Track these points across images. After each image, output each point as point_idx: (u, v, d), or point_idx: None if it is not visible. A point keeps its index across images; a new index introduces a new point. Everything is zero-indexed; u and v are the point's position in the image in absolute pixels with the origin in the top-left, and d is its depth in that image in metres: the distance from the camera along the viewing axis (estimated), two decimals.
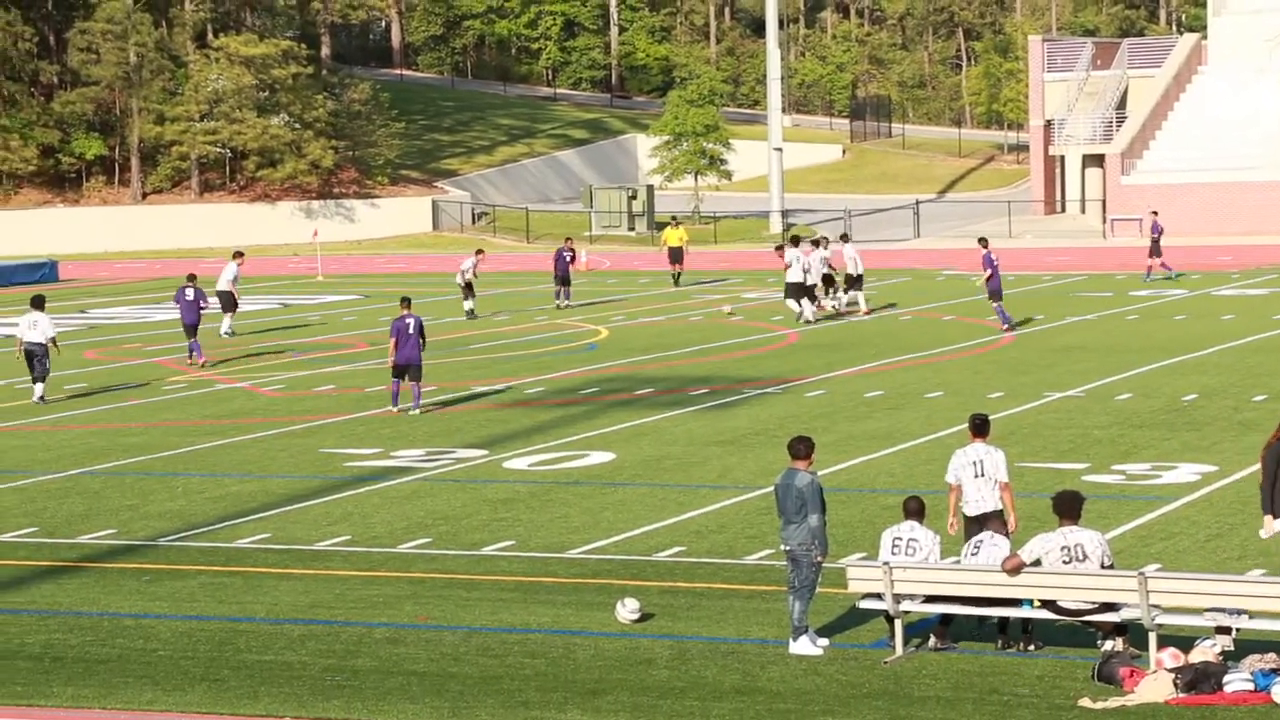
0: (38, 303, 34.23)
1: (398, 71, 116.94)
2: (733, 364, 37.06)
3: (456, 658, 16.33)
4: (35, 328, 33.48)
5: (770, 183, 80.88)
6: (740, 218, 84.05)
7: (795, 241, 45.59)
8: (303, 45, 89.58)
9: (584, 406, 31.63)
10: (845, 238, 48.83)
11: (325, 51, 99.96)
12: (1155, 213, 55.38)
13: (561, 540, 20.99)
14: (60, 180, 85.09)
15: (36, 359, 33.31)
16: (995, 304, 41.03)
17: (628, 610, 17.27)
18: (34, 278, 64.40)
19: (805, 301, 43.84)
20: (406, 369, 30.79)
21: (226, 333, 44.01)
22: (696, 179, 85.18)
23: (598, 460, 26.18)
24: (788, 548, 16.33)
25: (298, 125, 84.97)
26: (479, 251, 49.60)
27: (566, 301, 49.76)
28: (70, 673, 16.05)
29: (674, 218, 64.07)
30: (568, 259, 50.53)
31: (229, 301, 44.28)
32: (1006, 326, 40.54)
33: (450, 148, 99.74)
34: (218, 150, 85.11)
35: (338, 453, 27.24)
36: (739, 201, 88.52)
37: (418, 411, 30.77)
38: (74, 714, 14.97)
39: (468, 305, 47.39)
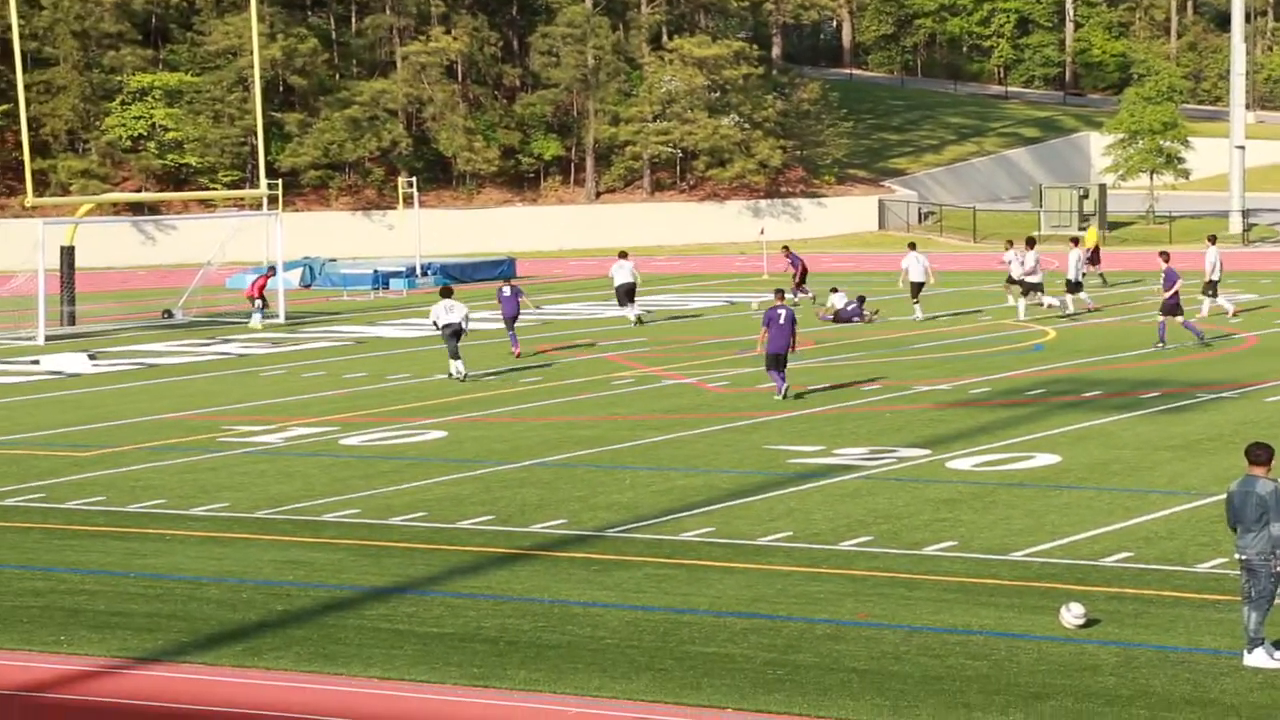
0: (447, 292, 37.41)
1: (847, 71, 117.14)
2: (1185, 367, 35.99)
3: (897, 657, 16.28)
4: (452, 311, 36.58)
5: (1230, 181, 78.23)
6: (1197, 217, 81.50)
7: (1030, 243, 48.53)
8: (754, 46, 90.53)
9: (1029, 408, 31.16)
10: (1214, 239, 47.74)
11: (776, 52, 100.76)
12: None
13: (1004, 542, 20.73)
14: (520, 180, 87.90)
15: (458, 337, 36.36)
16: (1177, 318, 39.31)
17: (1072, 615, 16.95)
18: (494, 274, 66.64)
19: (1022, 299, 46.62)
20: (777, 358, 32.32)
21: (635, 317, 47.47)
22: (1151, 178, 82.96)
23: (1043, 462, 25.75)
24: (1244, 557, 15.80)
25: (747, 125, 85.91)
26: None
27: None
28: (523, 656, 16.57)
29: (1087, 219, 64.41)
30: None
31: (628, 293, 47.85)
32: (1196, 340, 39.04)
33: (898, 147, 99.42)
34: (669, 150, 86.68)
35: (781, 449, 27.45)
36: (1196, 201, 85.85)
37: (779, 398, 32.12)
38: (527, 696, 15.45)
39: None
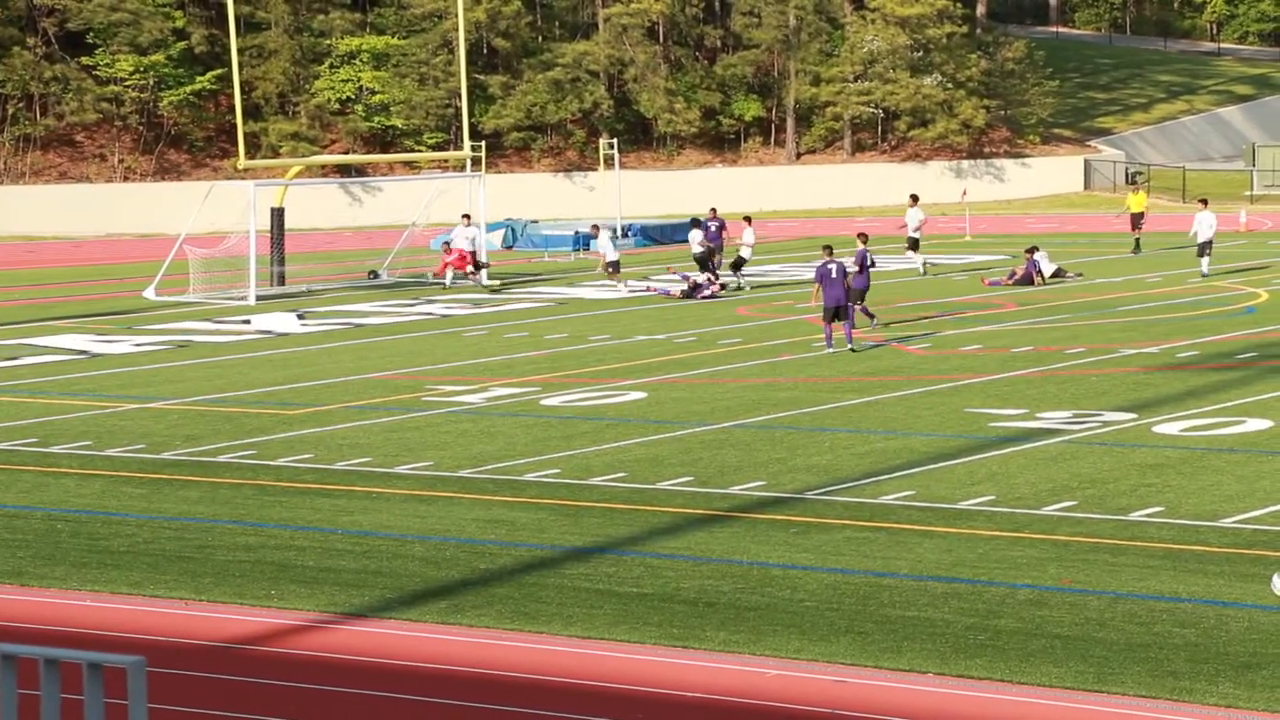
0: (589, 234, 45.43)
1: (1053, 28, 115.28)
2: None
3: (1102, 623, 16.06)
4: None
5: None
6: None
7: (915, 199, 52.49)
8: (958, 4, 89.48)
9: (1240, 372, 30.52)
10: (1205, 202, 46.65)
11: (980, 9, 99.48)
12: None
13: (1214, 508, 20.34)
14: (720, 141, 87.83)
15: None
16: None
17: None
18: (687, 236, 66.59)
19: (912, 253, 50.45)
20: (836, 310, 33.77)
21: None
22: None
23: (1254, 427, 25.22)
24: None
25: (950, 85, 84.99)
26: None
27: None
28: (722, 618, 16.60)
29: (1132, 180, 62.86)
30: (713, 229, 49.45)
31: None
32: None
33: (1105, 106, 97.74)
34: (870, 111, 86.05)
35: (982, 412, 27.18)
36: None
37: (851, 348, 33.70)
38: (726, 657, 15.48)
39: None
